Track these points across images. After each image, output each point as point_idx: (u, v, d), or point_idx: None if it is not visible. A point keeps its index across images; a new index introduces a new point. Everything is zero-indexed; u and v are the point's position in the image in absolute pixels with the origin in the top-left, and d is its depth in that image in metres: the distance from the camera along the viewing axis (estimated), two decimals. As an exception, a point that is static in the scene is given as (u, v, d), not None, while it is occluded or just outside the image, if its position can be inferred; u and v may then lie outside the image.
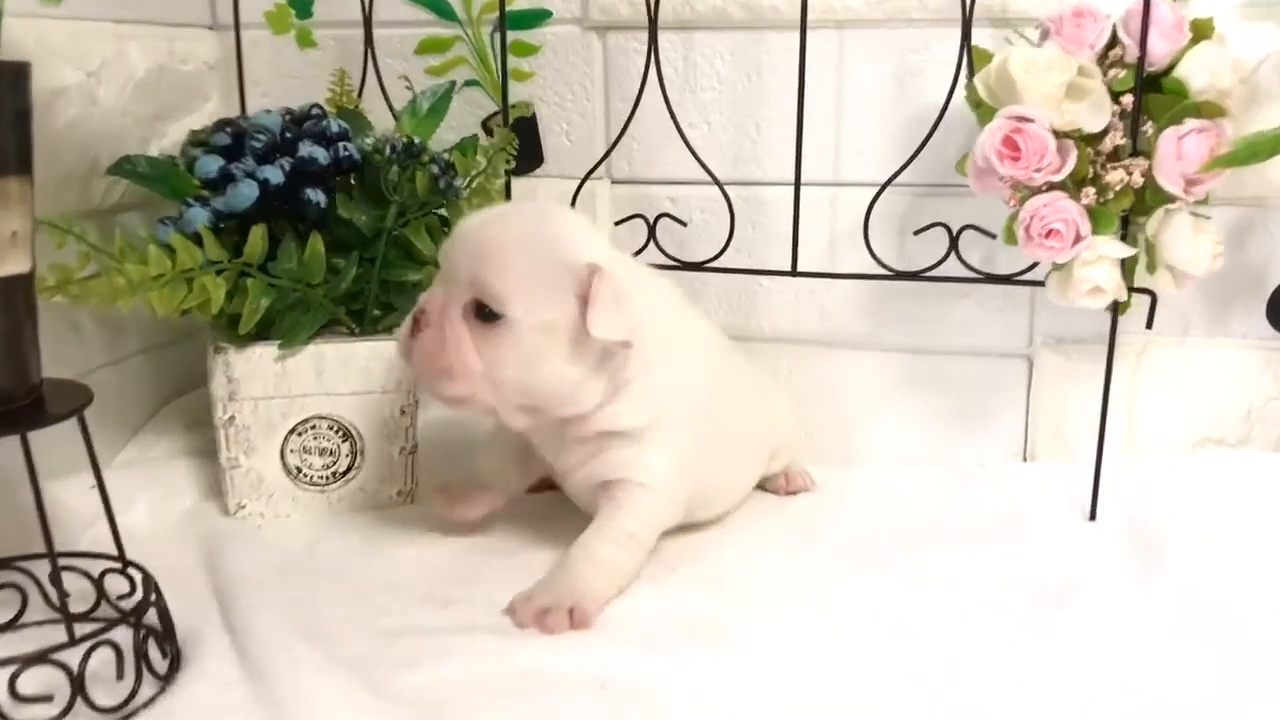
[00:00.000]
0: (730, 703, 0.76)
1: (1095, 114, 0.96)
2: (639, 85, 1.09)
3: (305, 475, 1.06)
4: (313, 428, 1.05)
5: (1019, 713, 0.75)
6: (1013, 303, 1.13)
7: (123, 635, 0.77)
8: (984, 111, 0.99)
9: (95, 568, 0.87)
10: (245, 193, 0.98)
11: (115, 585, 0.86)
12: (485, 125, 1.21)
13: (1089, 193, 0.95)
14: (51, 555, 0.75)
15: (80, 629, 0.75)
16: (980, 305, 1.14)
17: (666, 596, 0.91)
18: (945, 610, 0.89)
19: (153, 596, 0.81)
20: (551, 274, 0.87)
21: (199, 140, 1.08)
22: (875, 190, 1.12)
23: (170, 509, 1.07)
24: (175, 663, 0.81)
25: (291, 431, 1.04)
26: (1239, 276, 1.10)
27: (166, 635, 0.81)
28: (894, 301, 1.16)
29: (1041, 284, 1.04)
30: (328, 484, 1.07)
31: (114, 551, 0.83)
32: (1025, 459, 1.17)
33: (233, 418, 1.03)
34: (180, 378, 1.25)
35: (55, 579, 0.75)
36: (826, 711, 0.75)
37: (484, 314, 0.87)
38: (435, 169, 1.03)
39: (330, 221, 1.05)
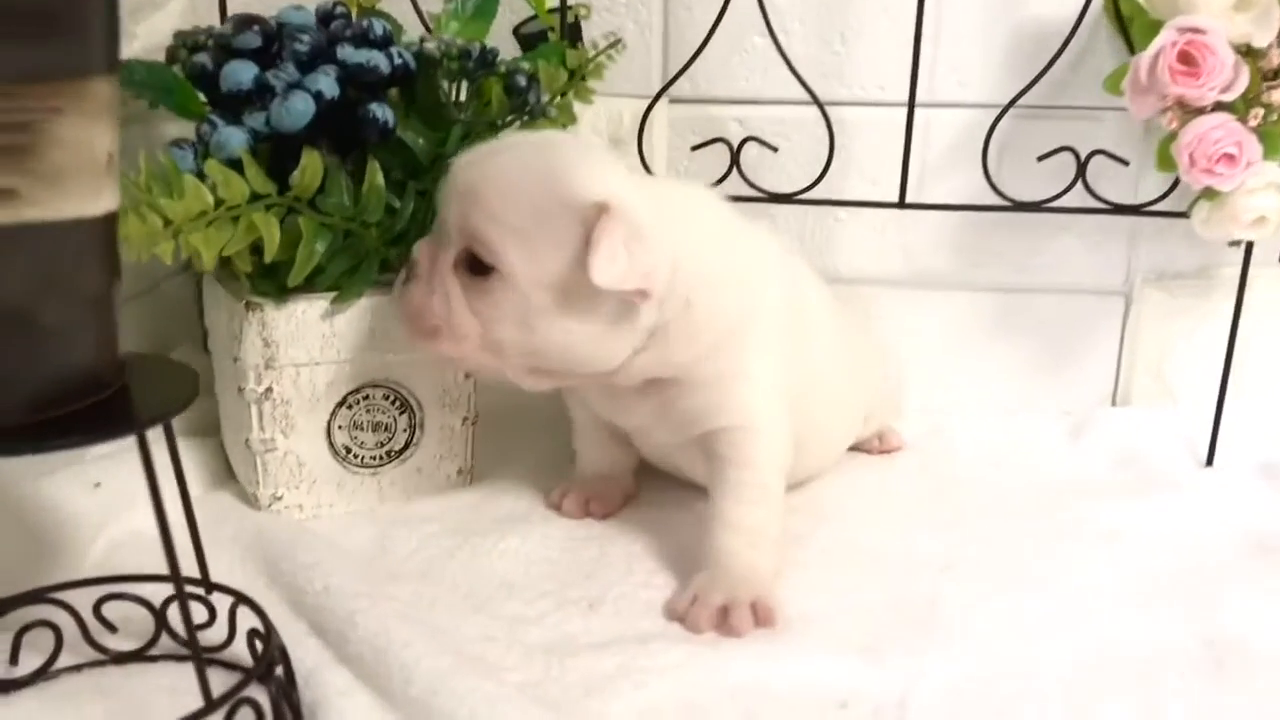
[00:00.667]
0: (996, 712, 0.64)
1: (1263, 26, 0.87)
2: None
3: (355, 456, 0.87)
4: (365, 398, 0.86)
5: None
6: (1112, 235, 1.04)
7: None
8: (1140, 23, 0.89)
9: (152, 593, 0.68)
10: (299, 108, 0.77)
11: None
12: (518, 32, 1.03)
13: (1258, 113, 0.87)
14: (178, 580, 0.56)
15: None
16: (1080, 239, 1.05)
17: (846, 589, 0.78)
18: (1141, 573, 0.80)
19: (273, 635, 0.63)
20: (552, 217, 0.73)
21: (192, 42, 0.85)
22: (970, 112, 1.02)
23: (176, 505, 0.86)
24: (299, 717, 0.63)
25: (340, 404, 0.86)
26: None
27: (290, 682, 0.63)
28: (985, 236, 1.05)
29: (1175, 214, 0.96)
30: (380, 465, 0.88)
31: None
32: (1115, 403, 1.09)
33: (269, 390, 0.83)
34: (156, 337, 1.03)
35: (184, 614, 0.56)
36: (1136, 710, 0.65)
37: (476, 266, 0.74)
38: (519, 80, 0.85)
39: (375, 147, 0.85)
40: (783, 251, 0.88)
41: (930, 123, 1.03)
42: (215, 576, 0.76)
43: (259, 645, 0.64)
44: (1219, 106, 0.87)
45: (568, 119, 0.90)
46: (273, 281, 0.82)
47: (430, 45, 0.85)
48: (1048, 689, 0.66)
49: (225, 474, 0.92)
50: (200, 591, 0.66)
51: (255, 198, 0.77)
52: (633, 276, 0.71)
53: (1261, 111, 0.87)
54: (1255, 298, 1.04)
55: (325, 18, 0.86)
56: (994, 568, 0.80)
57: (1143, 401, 1.08)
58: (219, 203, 0.75)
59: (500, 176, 0.74)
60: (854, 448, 1.02)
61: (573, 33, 1.01)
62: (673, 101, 1.05)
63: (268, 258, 0.77)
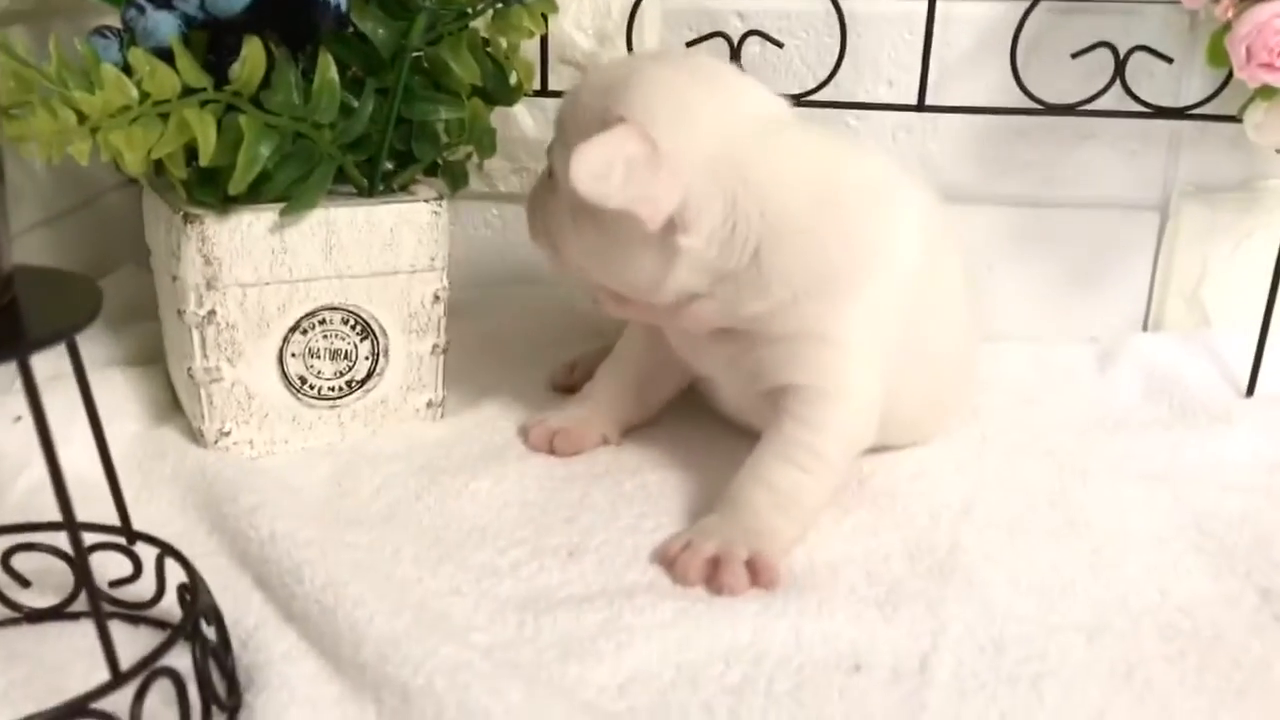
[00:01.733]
0: (1028, 678, 0.56)
1: (1333, -101, 0.77)
2: None
3: (312, 387, 0.78)
4: (322, 322, 0.77)
5: None
6: (1149, 143, 0.95)
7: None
8: (1194, -104, 0.79)
9: (66, 541, 0.60)
10: (236, -12, 0.67)
11: (103, 569, 0.59)
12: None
13: (1326, 0, 0.77)
14: (72, 527, 0.48)
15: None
16: (1111, 147, 0.95)
17: (858, 535, 0.70)
18: (1203, 518, 0.72)
19: (201, 591, 0.54)
20: (590, 126, 0.68)
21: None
22: (993, 5, 0.92)
23: (117, 441, 0.77)
24: (234, 682, 0.55)
25: (294, 329, 0.77)
26: None
27: (223, 645, 0.55)
28: (1010, 144, 0.96)
29: (1224, 118, 0.86)
30: (340, 396, 0.80)
31: (92, 516, 0.56)
32: (1146, 328, 1.00)
33: (212, 312, 0.74)
34: (95, 256, 0.94)
35: (80, 567, 0.48)
36: (1147, 680, 0.56)
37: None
38: None
39: (327, 39, 0.75)
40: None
41: (949, 17, 0.93)
42: (153, 521, 0.68)
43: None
44: (1281, -7, 0.78)
45: (548, 7, 0.80)
46: (214, 190, 0.72)
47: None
48: (1079, 646, 0.58)
49: (171, 406, 0.83)
50: (121, 541, 0.58)
51: (188, 92, 0.67)
52: (618, 196, 0.64)
53: (1329, -2, 0.77)
54: (1304, 214, 0.96)
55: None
56: (1017, 512, 0.72)
57: (1176, 326, 0.99)
58: (144, 97, 0.65)
59: (582, 84, 0.73)
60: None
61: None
62: (666, -6, 0.95)
63: (203, 160, 0.67)
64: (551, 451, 0.79)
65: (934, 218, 0.75)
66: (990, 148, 0.96)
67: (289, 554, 0.62)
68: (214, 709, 0.52)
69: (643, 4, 0.90)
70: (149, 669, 0.48)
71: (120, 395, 0.82)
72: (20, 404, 0.75)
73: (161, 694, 0.49)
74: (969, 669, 0.57)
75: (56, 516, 0.56)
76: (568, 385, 0.88)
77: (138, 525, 0.60)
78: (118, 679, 0.47)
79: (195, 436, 0.78)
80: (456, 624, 0.59)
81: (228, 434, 0.77)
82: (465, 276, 0.83)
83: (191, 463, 0.74)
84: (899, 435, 0.79)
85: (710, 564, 0.64)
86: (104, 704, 0.46)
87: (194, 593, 0.54)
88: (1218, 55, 0.81)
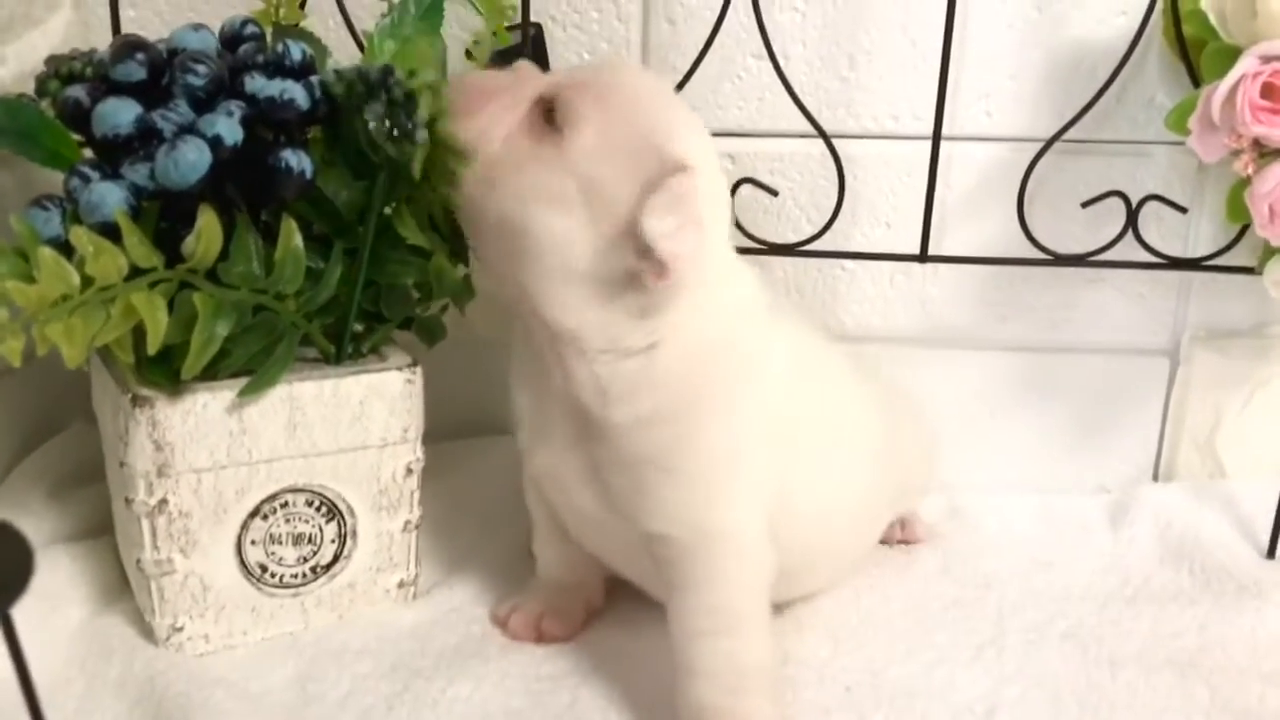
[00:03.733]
0: None
1: (1355, 53, 0.73)
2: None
3: (273, 575, 0.72)
4: (284, 505, 0.71)
5: None
6: (1158, 287, 0.91)
7: None
8: (1210, 49, 0.75)
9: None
10: (190, 159, 0.61)
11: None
12: (471, 55, 0.87)
13: (1348, 157, 0.73)
14: None
15: None
16: (1119, 291, 0.91)
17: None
18: (1218, 711, 0.66)
19: None
20: (641, 137, 0.62)
21: (66, 71, 0.69)
22: (998, 147, 0.88)
23: (59, 633, 0.71)
24: None
25: (253, 514, 0.70)
26: None
27: None
28: (1014, 287, 0.91)
29: (1240, 270, 0.82)
30: (304, 583, 0.73)
31: None
32: (1157, 478, 0.95)
33: (164, 501, 0.67)
34: (38, 416, 0.87)
35: None
36: None
37: (549, 118, 0.63)
38: (382, 101, 0.67)
39: (289, 204, 0.70)
40: (814, 335, 0.75)
41: (952, 159, 0.88)
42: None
43: None
44: (1302, 148, 0.74)
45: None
46: (166, 369, 0.66)
47: (348, 71, 0.69)
48: None
49: (120, 587, 0.76)
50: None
51: (136, 273, 0.61)
52: (668, 244, 0.58)
53: (1352, 154, 0.73)
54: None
55: (231, 40, 0.71)
56: (1042, 712, 0.66)
57: (1189, 476, 0.94)
58: (87, 282, 0.59)
59: (627, 77, 0.66)
60: (866, 537, 0.88)
61: (537, 52, 0.86)
62: (652, 134, 0.90)
63: (151, 349, 0.61)
64: (539, 639, 0.73)
65: (811, 354, 0.73)
66: (993, 291, 0.91)
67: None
68: None
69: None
70: None
71: (64, 578, 0.75)
72: None
73: None
74: None
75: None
76: None
77: None
78: None
79: (145, 630, 0.71)
80: None
81: (180, 629, 0.70)
82: (433, 428, 0.77)
83: (141, 666, 0.68)
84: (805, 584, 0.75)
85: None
86: None
87: None
88: (1237, 210, 0.77)
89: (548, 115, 0.63)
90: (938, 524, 0.90)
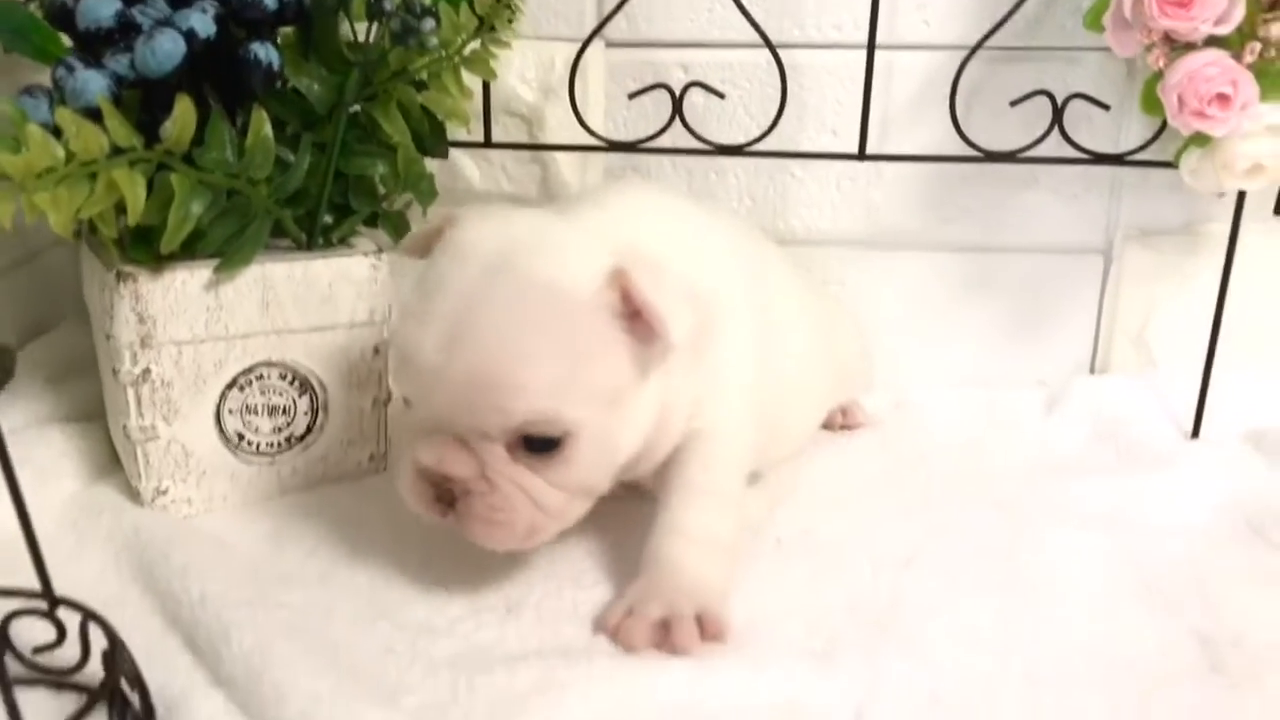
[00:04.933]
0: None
1: (1259, -50, 0.78)
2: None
3: (250, 443, 0.78)
4: (259, 378, 0.77)
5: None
6: (1091, 187, 0.96)
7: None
8: (1123, -52, 0.80)
9: (-8, 608, 0.58)
10: (166, 49, 0.67)
11: (27, 635, 0.57)
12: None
13: (1255, 48, 0.78)
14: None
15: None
16: (1053, 192, 0.96)
17: (800, 586, 0.69)
18: (1137, 561, 0.72)
19: (122, 657, 0.53)
20: (585, 330, 0.61)
21: (53, -23, 0.75)
22: (936, 54, 0.93)
23: (52, 499, 0.76)
24: (155, 745, 0.54)
25: (230, 385, 0.76)
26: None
27: (146, 714, 0.54)
28: (953, 190, 0.96)
29: (1161, 164, 0.87)
30: (279, 452, 0.79)
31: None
32: (1093, 371, 1.01)
33: (147, 371, 0.73)
34: (34, 312, 0.93)
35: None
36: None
37: (538, 445, 0.62)
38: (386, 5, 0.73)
39: (265, 96, 0.75)
40: (746, 238, 0.80)
41: (893, 66, 0.93)
42: (86, 582, 0.68)
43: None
44: (1211, 41, 0.79)
45: (485, 72, 0.80)
46: (148, 248, 0.72)
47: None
48: (1018, 698, 0.58)
49: (111, 463, 0.82)
50: (42, 606, 0.56)
51: (117, 152, 0.67)
52: (693, 312, 0.62)
53: (1259, 46, 0.78)
54: (1245, 255, 0.96)
55: (210, -54, 0.76)
56: (961, 562, 0.72)
57: (1123, 369, 0.99)
58: (71, 157, 0.65)
59: (509, 333, 0.60)
60: (814, 424, 0.93)
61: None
62: (609, 45, 0.95)
63: (131, 220, 0.67)
64: None
65: (770, 269, 0.79)
66: (933, 194, 0.96)
67: (218, 616, 0.61)
68: (132, 779, 0.51)
69: (586, 57, 0.91)
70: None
71: (58, 452, 0.80)
72: None
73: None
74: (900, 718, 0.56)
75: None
76: None
77: (70, 586, 0.59)
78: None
79: (133, 495, 0.77)
80: (388, 685, 0.58)
81: (165, 492, 0.76)
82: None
83: (127, 522, 0.73)
84: (762, 459, 0.80)
85: (658, 627, 0.63)
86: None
87: (113, 658, 0.53)
88: (1151, 103, 0.82)
89: (533, 445, 0.62)
90: (881, 414, 0.96)
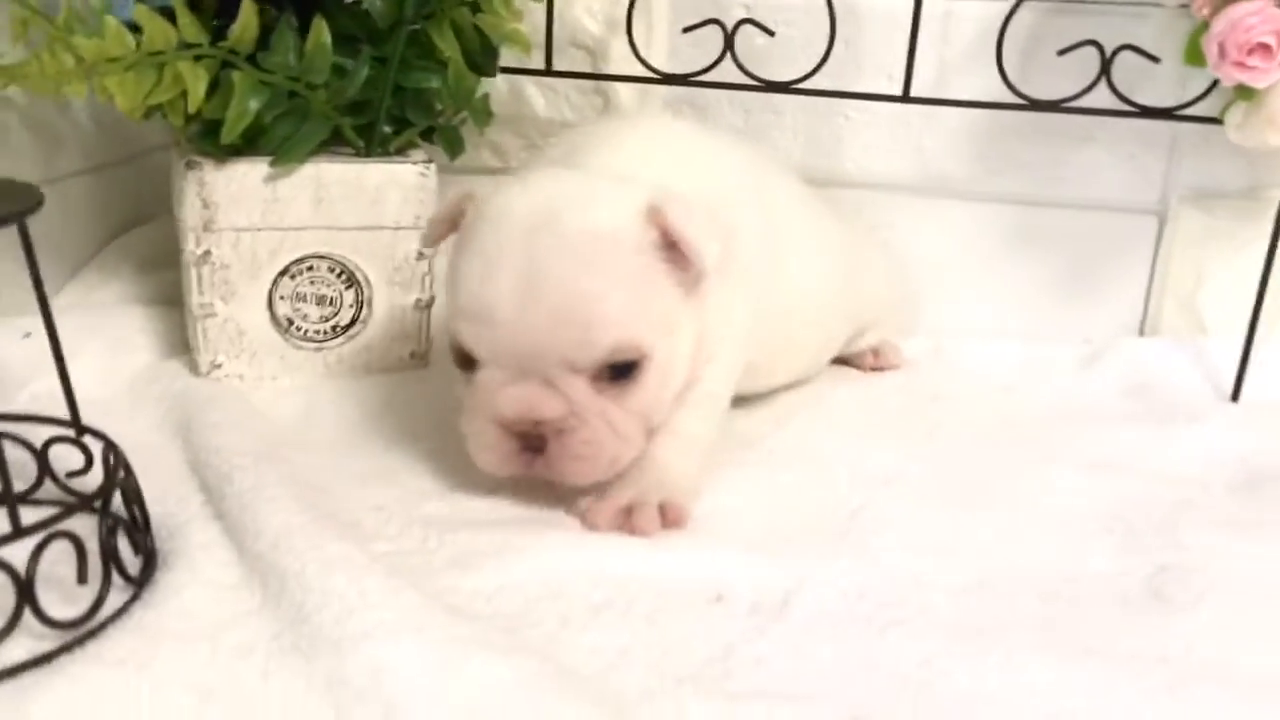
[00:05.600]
0: (895, 625, 0.58)
1: (1314, -101, 0.76)
2: None
3: (298, 329, 0.85)
4: (309, 269, 0.84)
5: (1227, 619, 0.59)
6: (1149, 146, 0.95)
7: (83, 525, 0.57)
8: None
9: (37, 435, 0.67)
10: (233, -45, 0.75)
11: (65, 459, 0.65)
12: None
13: (1302, 0, 0.77)
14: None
15: (25, 515, 0.55)
16: (1109, 149, 0.95)
17: (775, 490, 0.73)
18: (1139, 505, 0.72)
19: (121, 474, 0.60)
20: (637, 264, 0.65)
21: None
22: (995, 4, 0.93)
23: (123, 366, 0.85)
24: (151, 561, 0.61)
25: (283, 273, 0.83)
26: None
27: (139, 525, 0.61)
28: (1008, 142, 0.97)
29: (1210, 120, 0.86)
30: (326, 340, 0.86)
31: (62, 414, 0.61)
32: (1143, 333, 1.00)
33: (208, 253, 0.81)
34: (133, 206, 1.02)
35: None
36: (1031, 634, 0.57)
37: (620, 372, 0.65)
38: None
39: (333, 8, 0.82)
40: (756, 169, 0.82)
41: (951, 14, 0.95)
42: (133, 434, 0.75)
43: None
44: (1257, -8, 0.78)
45: (524, -1, 0.85)
46: (215, 141, 0.79)
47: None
48: (946, 602, 0.60)
49: (183, 344, 0.90)
50: (71, 434, 0.64)
51: (186, 47, 0.75)
52: (716, 238, 0.66)
53: (1308, -2, 0.77)
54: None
55: None
56: (939, 486, 0.74)
57: (1172, 333, 0.98)
58: (140, 47, 0.73)
59: (589, 269, 0.64)
60: (846, 362, 0.95)
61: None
62: (677, -16, 0.99)
63: (191, 108, 0.75)
64: None
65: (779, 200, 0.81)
66: (987, 145, 0.97)
67: (228, 460, 0.68)
68: (120, 579, 0.58)
69: (651, -7, 0.95)
70: (49, 530, 0.54)
71: (136, 328, 0.89)
72: (29, 322, 0.84)
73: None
74: (824, 609, 0.59)
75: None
76: None
77: (120, 433, 0.68)
78: (16, 533, 0.53)
79: (194, 369, 0.85)
80: (364, 531, 0.64)
81: (219, 366, 0.84)
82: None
83: (179, 387, 0.82)
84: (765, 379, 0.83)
85: (623, 511, 0.67)
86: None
87: (113, 475, 0.60)
88: (1195, 54, 0.81)
89: (616, 374, 0.65)
90: (918, 358, 0.97)
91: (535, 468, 0.67)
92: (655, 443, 0.70)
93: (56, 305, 0.90)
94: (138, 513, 0.61)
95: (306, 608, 0.55)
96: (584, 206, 0.66)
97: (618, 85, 1.00)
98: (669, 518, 0.66)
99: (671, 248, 0.65)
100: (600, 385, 0.65)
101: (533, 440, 0.66)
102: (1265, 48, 0.76)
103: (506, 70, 0.94)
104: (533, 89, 1.02)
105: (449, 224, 0.71)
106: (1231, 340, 0.92)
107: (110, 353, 0.86)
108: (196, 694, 0.50)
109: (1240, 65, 0.77)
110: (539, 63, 0.95)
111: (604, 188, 0.68)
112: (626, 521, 0.66)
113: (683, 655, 0.55)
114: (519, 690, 0.50)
